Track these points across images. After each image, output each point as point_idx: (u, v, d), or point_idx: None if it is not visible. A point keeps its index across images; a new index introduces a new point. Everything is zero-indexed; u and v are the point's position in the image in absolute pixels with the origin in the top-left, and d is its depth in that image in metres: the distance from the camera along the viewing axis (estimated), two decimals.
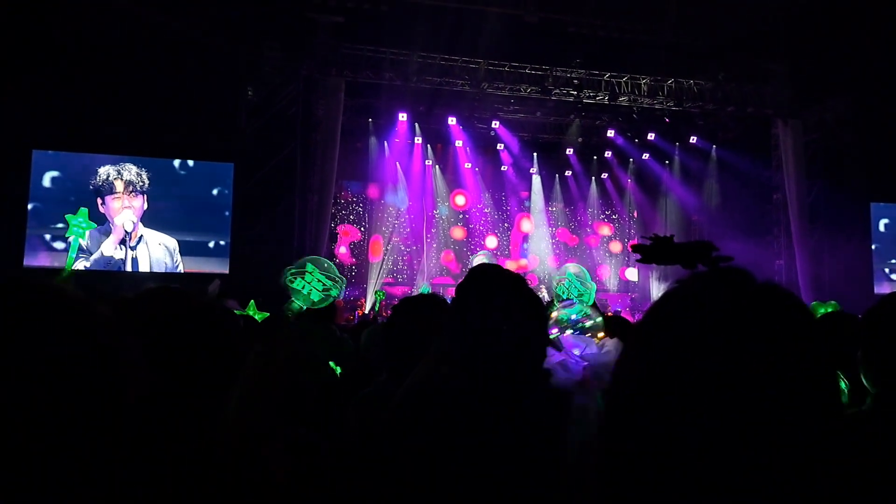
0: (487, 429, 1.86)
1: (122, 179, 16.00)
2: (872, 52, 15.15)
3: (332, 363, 4.96)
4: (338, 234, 19.75)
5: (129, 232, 15.83)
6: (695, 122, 20.18)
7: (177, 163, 16.49)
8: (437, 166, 20.85)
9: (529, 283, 2.25)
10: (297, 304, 4.48)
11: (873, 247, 18.56)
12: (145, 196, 16.11)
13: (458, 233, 21.13)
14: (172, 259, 16.12)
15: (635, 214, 22.83)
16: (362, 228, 20.50)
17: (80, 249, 15.31)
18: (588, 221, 22.62)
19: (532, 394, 1.98)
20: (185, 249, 16.27)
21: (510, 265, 20.85)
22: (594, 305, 4.87)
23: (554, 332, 2.69)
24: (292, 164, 15.93)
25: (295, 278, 4.70)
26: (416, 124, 19.62)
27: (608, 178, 22.53)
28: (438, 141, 20.51)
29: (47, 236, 15.27)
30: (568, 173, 22.15)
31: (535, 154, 21.59)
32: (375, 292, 16.55)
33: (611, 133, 20.28)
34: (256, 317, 6.09)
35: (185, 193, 16.46)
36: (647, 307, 1.11)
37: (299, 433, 1.91)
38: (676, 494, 0.89)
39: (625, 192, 22.81)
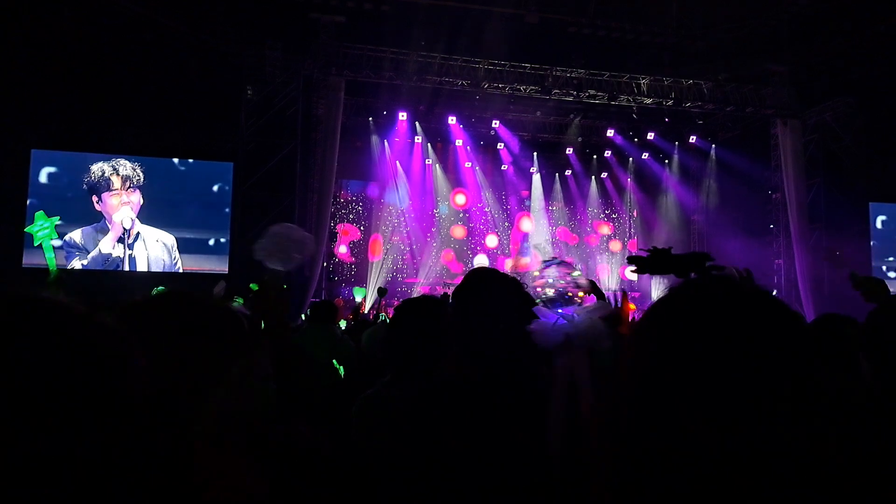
0: (492, 424, 1.87)
1: (118, 175, 15.92)
2: (871, 54, 15.18)
3: (335, 363, 4.97)
4: (337, 233, 19.74)
5: (128, 229, 15.74)
6: (694, 122, 20.20)
7: (176, 159, 16.47)
8: (437, 165, 20.84)
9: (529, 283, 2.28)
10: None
11: (871, 244, 18.59)
12: (141, 191, 16.07)
13: (458, 232, 21.13)
14: (171, 256, 16.04)
15: (635, 214, 22.83)
16: (362, 228, 20.50)
17: (78, 248, 15.30)
18: (588, 220, 22.61)
19: (532, 388, 2.01)
20: (185, 247, 16.22)
21: (510, 263, 20.87)
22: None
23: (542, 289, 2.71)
24: (292, 164, 15.94)
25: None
26: (417, 123, 19.61)
27: (608, 178, 22.53)
28: (438, 140, 20.51)
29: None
30: (568, 172, 22.15)
31: (535, 153, 21.59)
32: (356, 290, 16.48)
33: (610, 132, 20.30)
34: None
35: (185, 189, 16.43)
36: (646, 308, 1.13)
37: (299, 432, 1.92)
38: (673, 489, 0.91)
39: (624, 191, 22.81)
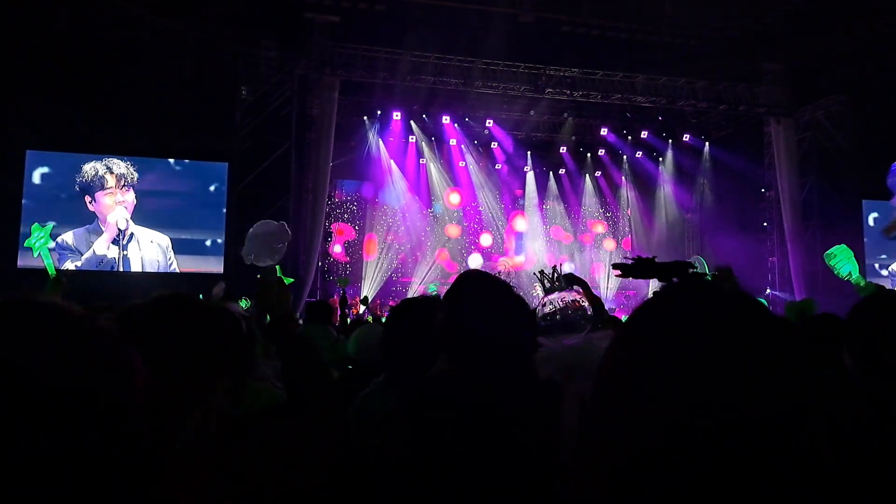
0: (486, 426, 1.90)
1: (112, 173, 15.77)
2: (864, 52, 15.22)
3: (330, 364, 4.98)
4: (332, 232, 19.73)
5: (123, 230, 15.62)
6: (688, 121, 20.25)
7: (171, 160, 16.40)
8: (431, 165, 20.84)
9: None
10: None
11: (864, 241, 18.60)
12: (135, 192, 15.95)
13: (452, 231, 21.12)
14: (165, 257, 15.91)
15: (629, 212, 22.84)
16: (357, 227, 20.49)
17: (70, 250, 15.23)
18: (582, 219, 22.61)
19: (526, 389, 2.03)
20: (181, 247, 16.10)
21: (505, 262, 20.88)
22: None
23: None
24: (287, 163, 15.93)
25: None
26: (411, 123, 19.61)
27: (602, 176, 22.54)
28: (433, 139, 20.51)
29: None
30: (562, 171, 22.16)
31: (528, 152, 21.61)
32: (339, 279, 16.26)
33: (604, 131, 20.32)
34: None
35: (181, 190, 16.34)
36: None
37: (296, 429, 1.94)
38: (655, 492, 0.93)
39: (618, 189, 22.80)
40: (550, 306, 2.78)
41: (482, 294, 2.17)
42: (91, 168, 15.70)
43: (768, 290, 18.48)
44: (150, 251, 15.82)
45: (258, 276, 3.02)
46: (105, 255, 15.47)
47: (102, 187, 15.68)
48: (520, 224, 21.78)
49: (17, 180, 15.14)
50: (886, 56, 15.08)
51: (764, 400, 0.92)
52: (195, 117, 15.47)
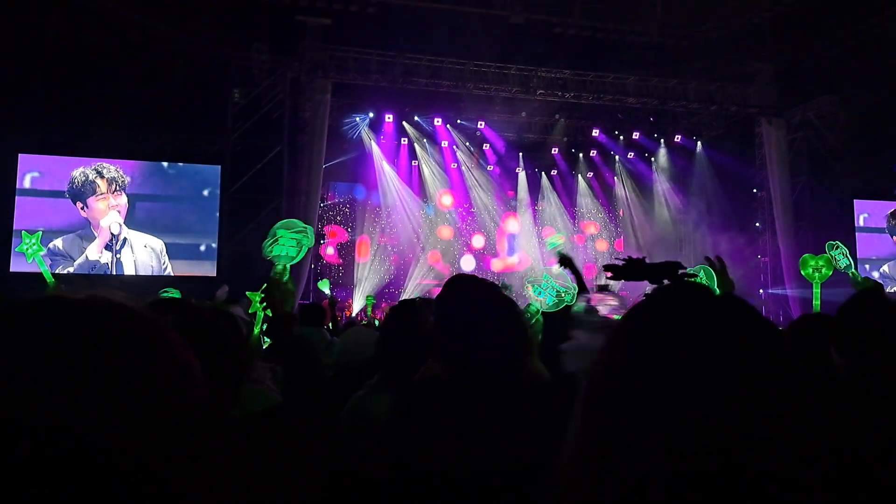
0: (476, 425, 1.92)
1: (103, 178, 15.56)
2: (856, 52, 15.27)
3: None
4: (325, 234, 19.72)
5: (116, 235, 15.43)
6: (679, 121, 20.30)
7: (165, 163, 16.29)
8: (423, 166, 20.85)
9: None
10: (280, 266, 4.81)
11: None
12: (128, 196, 15.80)
13: (445, 232, 21.12)
14: (160, 262, 15.72)
15: (621, 213, 22.87)
16: (349, 229, 20.49)
17: (62, 256, 15.11)
18: (574, 220, 22.62)
19: (517, 388, 2.05)
20: (176, 252, 15.97)
21: (497, 264, 20.90)
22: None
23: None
24: (279, 166, 15.93)
25: (272, 248, 5.24)
26: (403, 125, 19.63)
27: (594, 177, 22.57)
28: (425, 141, 20.52)
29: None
30: (554, 172, 22.18)
31: (520, 153, 21.63)
32: (367, 297, 16.42)
33: (596, 132, 20.38)
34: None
35: (175, 194, 16.22)
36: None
37: (292, 432, 1.95)
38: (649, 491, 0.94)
39: (610, 190, 22.83)
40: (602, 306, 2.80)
41: (472, 296, 2.20)
42: (80, 174, 15.48)
43: (761, 290, 18.55)
44: (144, 256, 15.64)
45: (271, 272, 3.04)
46: (98, 261, 15.28)
47: (94, 192, 15.46)
48: (512, 225, 21.78)
49: (9, 185, 15.06)
50: (877, 56, 15.13)
51: (756, 401, 0.94)
52: (187, 120, 15.44)
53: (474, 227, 21.55)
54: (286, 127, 16.07)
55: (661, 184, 21.76)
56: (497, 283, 2.42)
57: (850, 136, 17.09)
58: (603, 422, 1.03)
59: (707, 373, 0.95)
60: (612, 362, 1.06)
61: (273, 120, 15.96)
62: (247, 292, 6.20)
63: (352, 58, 15.95)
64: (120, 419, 0.78)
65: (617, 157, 21.99)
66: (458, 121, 19.61)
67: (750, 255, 18.67)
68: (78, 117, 14.87)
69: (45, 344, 0.79)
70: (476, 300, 2.18)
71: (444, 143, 20.34)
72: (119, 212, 15.56)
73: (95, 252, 15.29)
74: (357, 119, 19.11)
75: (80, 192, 15.45)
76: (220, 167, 16.10)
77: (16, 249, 6.13)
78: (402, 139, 20.13)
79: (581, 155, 21.99)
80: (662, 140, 21.10)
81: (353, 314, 17.04)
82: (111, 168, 15.64)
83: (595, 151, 21.68)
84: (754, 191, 19.34)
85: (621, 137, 20.87)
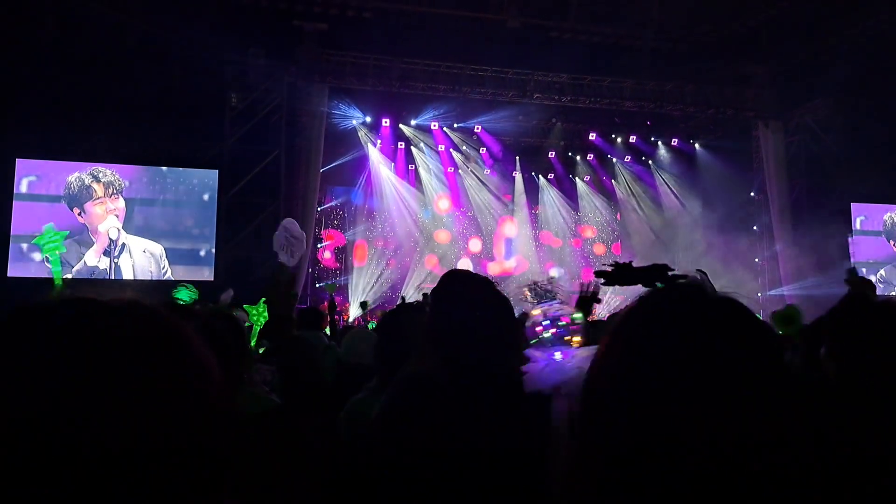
0: (469, 421, 1.92)
1: (99, 182, 15.45)
2: (853, 55, 15.29)
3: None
4: (322, 238, 19.71)
5: (114, 240, 15.34)
6: (676, 125, 20.31)
7: (164, 167, 16.19)
8: (420, 171, 20.85)
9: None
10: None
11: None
12: (125, 200, 15.71)
13: (442, 236, 21.11)
14: (159, 266, 15.57)
15: (618, 216, 22.87)
16: (347, 233, 20.49)
17: (59, 261, 15.00)
18: (571, 224, 22.62)
19: (509, 385, 2.06)
20: (175, 258, 15.86)
21: (494, 267, 20.87)
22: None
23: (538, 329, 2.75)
24: (277, 170, 15.94)
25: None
26: (400, 129, 19.64)
27: (590, 181, 22.58)
28: (422, 145, 20.53)
29: (24, 245, 14.65)
30: (551, 176, 22.20)
31: (517, 157, 21.64)
32: (326, 284, 16.13)
33: (593, 136, 20.41)
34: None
35: (171, 198, 16.11)
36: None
37: (290, 433, 1.95)
38: (644, 492, 0.95)
39: (607, 193, 22.84)
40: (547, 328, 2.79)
41: (467, 290, 2.21)
42: (76, 179, 15.36)
43: (759, 293, 18.54)
44: (142, 260, 15.49)
45: (273, 271, 3.04)
46: (96, 266, 15.16)
47: (91, 197, 15.34)
48: (509, 229, 21.79)
49: (6, 189, 15.00)
50: (875, 59, 15.16)
51: (755, 401, 0.94)
52: (185, 125, 15.43)
53: (471, 231, 21.55)
54: (283, 131, 16.08)
55: (658, 187, 21.78)
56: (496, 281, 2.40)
57: (848, 139, 17.11)
58: (601, 422, 1.03)
59: (706, 372, 0.96)
60: (610, 363, 1.06)
61: (270, 124, 15.98)
62: (244, 305, 6.19)
63: (349, 62, 15.98)
64: (150, 419, 0.79)
65: (614, 160, 22.00)
66: (455, 125, 19.61)
67: (747, 258, 18.68)
68: (76, 121, 14.82)
69: (80, 346, 0.80)
70: (472, 297, 2.19)
71: (441, 147, 20.36)
72: (117, 216, 15.44)
73: (94, 257, 15.17)
74: (354, 122, 19.10)
75: (77, 198, 15.32)
76: (217, 171, 16.07)
77: (33, 241, 6.08)
78: (399, 143, 20.14)
79: (578, 158, 22.01)
80: (660, 143, 21.12)
81: (350, 320, 16.97)
82: (107, 172, 15.50)
83: (592, 155, 21.70)
84: (752, 194, 19.37)
85: (618, 141, 20.89)
